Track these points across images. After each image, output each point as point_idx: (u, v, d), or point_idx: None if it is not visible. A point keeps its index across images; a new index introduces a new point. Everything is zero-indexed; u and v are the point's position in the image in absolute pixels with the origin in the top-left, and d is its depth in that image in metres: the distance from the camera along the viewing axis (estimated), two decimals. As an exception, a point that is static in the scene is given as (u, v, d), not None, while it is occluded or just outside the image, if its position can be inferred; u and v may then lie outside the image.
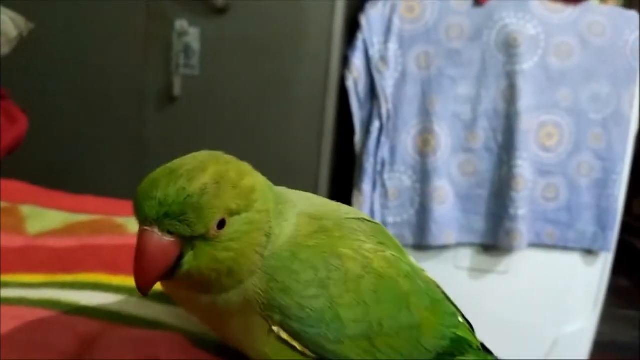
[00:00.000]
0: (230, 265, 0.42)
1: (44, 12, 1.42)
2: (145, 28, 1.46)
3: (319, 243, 0.45)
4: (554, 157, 1.50)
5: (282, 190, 0.49)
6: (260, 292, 0.43)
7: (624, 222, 1.62)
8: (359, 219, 0.50)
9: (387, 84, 1.50)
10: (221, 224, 0.40)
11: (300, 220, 0.47)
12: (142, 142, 1.48)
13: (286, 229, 0.45)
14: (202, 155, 0.43)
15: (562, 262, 1.56)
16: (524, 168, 1.47)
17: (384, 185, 1.53)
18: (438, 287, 0.55)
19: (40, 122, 1.43)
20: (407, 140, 1.52)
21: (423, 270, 0.55)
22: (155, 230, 0.39)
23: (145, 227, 0.39)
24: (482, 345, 0.57)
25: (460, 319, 0.55)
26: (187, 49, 1.46)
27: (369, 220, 0.51)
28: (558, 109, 1.49)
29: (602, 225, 1.52)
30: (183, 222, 0.39)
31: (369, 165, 1.52)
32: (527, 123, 1.47)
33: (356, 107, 1.52)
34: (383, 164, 1.53)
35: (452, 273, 1.57)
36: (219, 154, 0.44)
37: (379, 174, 1.53)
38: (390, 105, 1.50)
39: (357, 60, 1.50)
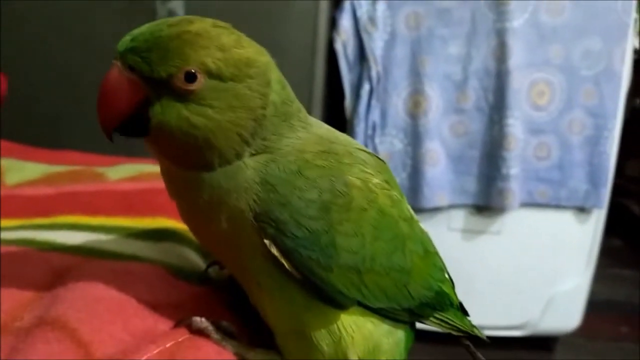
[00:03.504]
0: (207, 136, 0.40)
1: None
2: (128, -6, 1.43)
3: (327, 165, 0.43)
4: (545, 115, 1.48)
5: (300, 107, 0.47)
6: (257, 200, 0.41)
7: (617, 183, 1.61)
8: (368, 152, 0.49)
9: (376, 45, 1.47)
10: (190, 77, 0.38)
11: (310, 136, 0.45)
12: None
13: (293, 137, 0.43)
14: (211, 20, 0.41)
15: (555, 221, 1.55)
16: (515, 127, 1.45)
17: (375, 149, 1.51)
18: (431, 241, 0.54)
19: (23, 92, 1.41)
20: (398, 103, 1.50)
21: (418, 222, 0.53)
22: (119, 64, 0.39)
23: (113, 61, 0.39)
24: (460, 304, 0.56)
25: (446, 276, 0.54)
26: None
27: (377, 157, 0.50)
28: (549, 66, 1.47)
29: (594, 182, 1.51)
30: (144, 60, 0.38)
31: (359, 129, 1.50)
32: (518, 81, 1.45)
33: (345, 70, 1.50)
34: (374, 128, 1.51)
35: (445, 235, 1.56)
36: (230, 27, 0.42)
37: (370, 138, 1.51)
38: (380, 67, 1.48)
39: (345, 22, 1.47)
